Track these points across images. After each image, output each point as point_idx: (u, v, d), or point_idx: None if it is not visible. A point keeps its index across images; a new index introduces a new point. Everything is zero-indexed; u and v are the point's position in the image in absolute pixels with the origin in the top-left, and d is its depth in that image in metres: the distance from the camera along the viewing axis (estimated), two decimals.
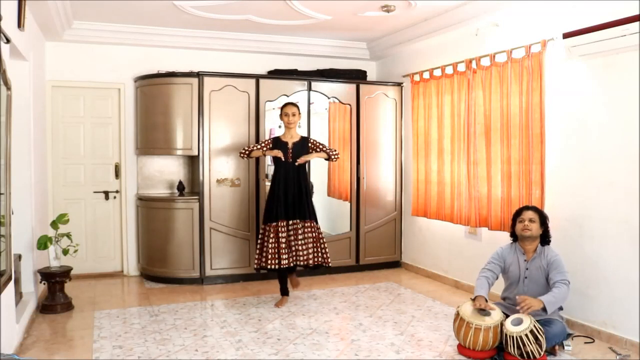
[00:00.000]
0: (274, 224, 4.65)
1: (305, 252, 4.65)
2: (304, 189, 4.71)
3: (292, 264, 4.64)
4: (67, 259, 4.91)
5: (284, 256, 4.59)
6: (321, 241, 4.77)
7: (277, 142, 4.79)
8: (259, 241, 4.77)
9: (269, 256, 4.62)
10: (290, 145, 4.74)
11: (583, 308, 4.00)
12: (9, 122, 3.43)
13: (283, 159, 4.66)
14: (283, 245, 4.60)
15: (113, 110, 5.92)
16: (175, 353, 3.61)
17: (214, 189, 5.54)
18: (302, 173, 4.76)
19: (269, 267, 4.63)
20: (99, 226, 5.92)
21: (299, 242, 4.63)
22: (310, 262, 4.69)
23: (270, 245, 4.63)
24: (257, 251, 4.76)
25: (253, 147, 4.85)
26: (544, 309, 3.41)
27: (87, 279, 5.73)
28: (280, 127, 4.94)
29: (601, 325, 3.87)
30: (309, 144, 4.82)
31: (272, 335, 4.00)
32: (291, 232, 4.64)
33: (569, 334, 3.72)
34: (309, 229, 4.69)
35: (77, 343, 3.85)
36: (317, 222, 4.77)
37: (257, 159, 5.65)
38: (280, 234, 4.62)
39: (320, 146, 4.82)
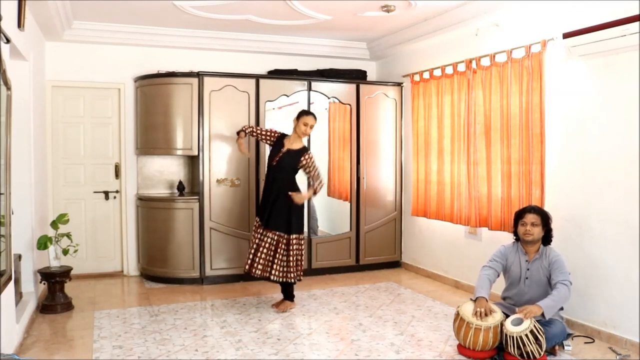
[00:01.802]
0: (258, 221, 4.60)
1: (273, 265, 4.45)
2: (280, 198, 4.45)
3: (254, 272, 4.49)
4: (67, 259, 4.91)
5: (249, 261, 4.52)
6: (289, 256, 4.47)
7: (279, 141, 4.64)
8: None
9: (248, 258, 4.55)
10: (284, 149, 4.55)
11: (583, 308, 4.00)
12: (9, 122, 3.43)
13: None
14: (255, 249, 4.51)
15: (113, 110, 5.92)
16: (175, 353, 3.61)
17: (214, 189, 5.54)
18: (283, 181, 4.49)
19: (246, 268, 4.53)
20: (99, 226, 5.92)
21: (276, 255, 4.46)
22: (273, 277, 4.45)
23: (252, 246, 4.56)
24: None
25: (257, 130, 4.81)
26: (543, 314, 3.41)
27: (87, 279, 5.73)
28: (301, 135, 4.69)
29: (601, 325, 3.87)
30: (301, 158, 4.53)
31: (272, 335, 4.00)
32: (266, 240, 4.49)
33: (569, 334, 3.71)
34: (281, 243, 4.46)
35: (77, 343, 3.85)
36: (287, 235, 4.46)
37: (257, 159, 5.65)
38: (257, 237, 4.53)
39: (310, 169, 4.55)
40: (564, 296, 3.50)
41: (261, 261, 4.48)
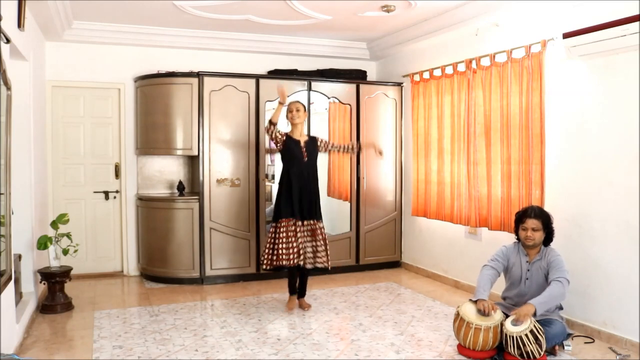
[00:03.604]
0: (289, 220, 4.47)
1: (317, 254, 4.54)
2: (317, 189, 4.63)
3: (301, 264, 4.47)
4: (67, 259, 4.91)
5: (297, 254, 4.43)
6: (327, 243, 4.63)
7: (290, 139, 4.56)
8: (269, 240, 4.51)
9: (283, 253, 4.41)
10: (302, 143, 4.60)
11: (583, 308, 4.00)
12: (9, 122, 3.43)
13: (289, 153, 4.51)
14: (298, 243, 4.45)
15: (113, 110, 5.92)
16: (175, 353, 3.61)
17: (214, 189, 5.54)
18: (316, 172, 4.64)
19: (283, 264, 4.42)
20: (99, 226, 5.92)
21: (317, 244, 4.55)
22: (319, 265, 4.55)
23: (283, 243, 4.43)
24: (267, 250, 4.50)
25: (277, 130, 4.49)
26: (534, 313, 3.40)
27: (87, 279, 5.73)
28: (287, 125, 4.75)
29: (601, 325, 3.87)
30: (319, 143, 4.70)
31: (272, 335, 4.00)
32: (306, 233, 4.53)
33: (569, 334, 3.71)
34: (321, 230, 4.59)
35: (77, 343, 3.85)
36: (321, 222, 4.64)
37: (257, 160, 5.65)
38: (297, 232, 4.46)
39: (331, 144, 4.84)
40: (557, 293, 3.47)
41: (306, 252, 4.53)
